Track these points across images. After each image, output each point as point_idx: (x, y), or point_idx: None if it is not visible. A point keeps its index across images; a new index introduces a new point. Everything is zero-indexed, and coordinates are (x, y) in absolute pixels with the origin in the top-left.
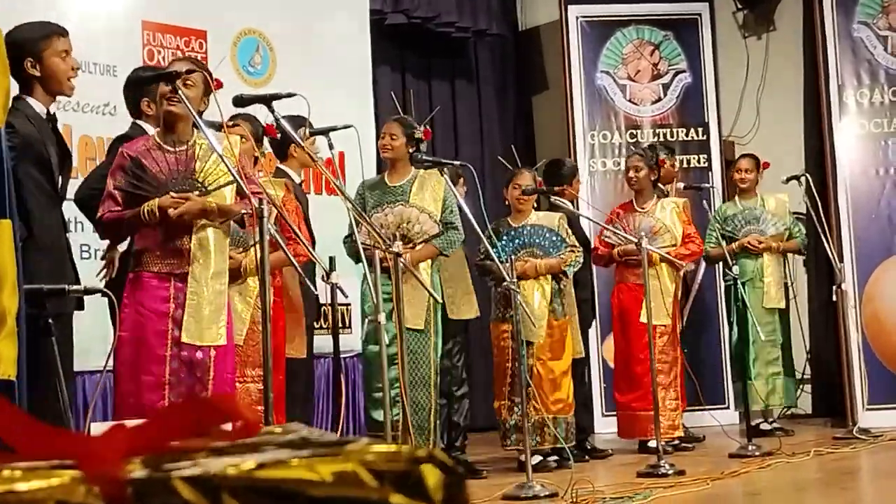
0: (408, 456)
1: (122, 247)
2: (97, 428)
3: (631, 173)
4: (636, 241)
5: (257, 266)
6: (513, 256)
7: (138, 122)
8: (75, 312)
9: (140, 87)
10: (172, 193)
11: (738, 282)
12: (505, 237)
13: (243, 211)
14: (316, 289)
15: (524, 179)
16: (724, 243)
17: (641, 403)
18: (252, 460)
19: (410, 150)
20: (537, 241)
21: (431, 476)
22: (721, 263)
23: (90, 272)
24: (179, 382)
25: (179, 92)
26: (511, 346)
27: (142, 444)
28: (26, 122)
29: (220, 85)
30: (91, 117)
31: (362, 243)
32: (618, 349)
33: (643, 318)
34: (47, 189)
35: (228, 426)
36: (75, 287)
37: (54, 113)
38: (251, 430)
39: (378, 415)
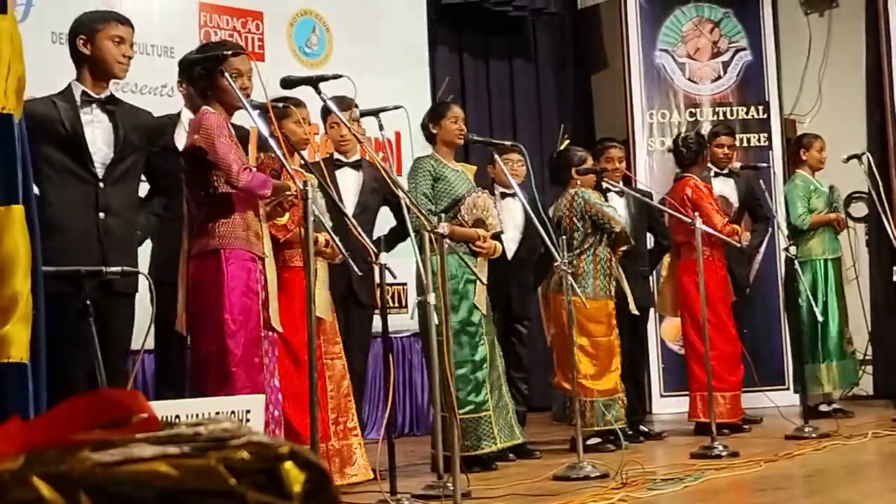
0: (270, 454)
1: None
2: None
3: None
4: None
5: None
6: None
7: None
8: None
9: (188, 70)
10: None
11: (796, 262)
12: None
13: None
14: (360, 270)
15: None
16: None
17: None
18: (116, 456)
19: None
20: None
21: (292, 474)
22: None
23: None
24: (269, 362)
25: (226, 75)
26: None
27: (37, 438)
28: (44, 103)
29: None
30: (148, 99)
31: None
32: (696, 329)
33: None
34: (71, 168)
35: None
36: (113, 269)
37: (110, 95)
38: (152, 424)
39: (462, 395)
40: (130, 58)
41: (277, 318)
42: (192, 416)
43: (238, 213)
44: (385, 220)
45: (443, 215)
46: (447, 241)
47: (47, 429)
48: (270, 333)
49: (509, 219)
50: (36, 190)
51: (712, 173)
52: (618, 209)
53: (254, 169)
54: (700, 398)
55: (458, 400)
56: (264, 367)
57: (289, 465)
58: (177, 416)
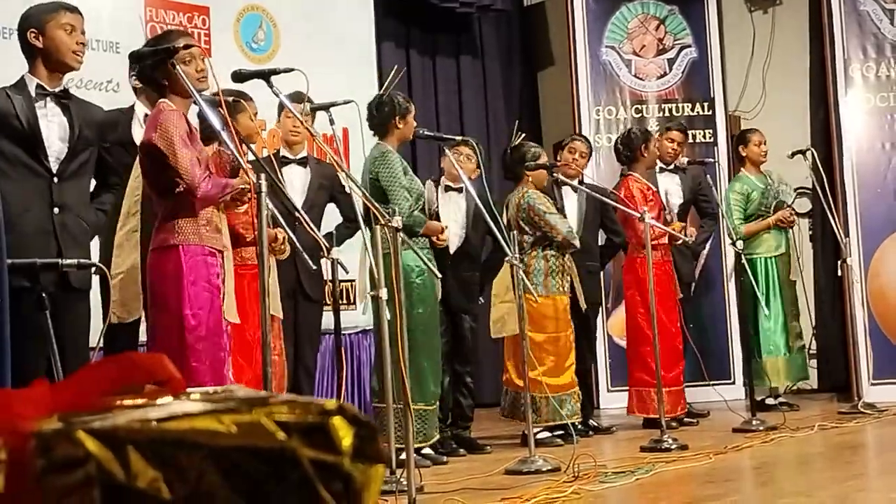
0: (317, 409)
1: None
2: None
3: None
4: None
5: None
6: None
7: (139, 100)
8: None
9: (139, 63)
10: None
11: (744, 257)
12: None
13: (242, 186)
14: (314, 265)
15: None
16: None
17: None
18: (160, 413)
19: None
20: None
21: (341, 429)
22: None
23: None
24: (225, 356)
25: (177, 68)
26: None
27: (65, 400)
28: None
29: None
30: (94, 94)
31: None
32: (642, 324)
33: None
34: (25, 162)
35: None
36: (68, 262)
37: (64, 89)
38: (177, 387)
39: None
40: (84, 45)
41: (234, 311)
42: None
43: (200, 209)
44: (329, 217)
45: (397, 208)
46: (400, 235)
47: (75, 391)
48: (228, 328)
49: (453, 213)
50: None
51: (658, 169)
52: (571, 205)
53: (211, 175)
54: (636, 393)
55: (430, 391)
56: (226, 360)
57: (337, 420)
58: None
